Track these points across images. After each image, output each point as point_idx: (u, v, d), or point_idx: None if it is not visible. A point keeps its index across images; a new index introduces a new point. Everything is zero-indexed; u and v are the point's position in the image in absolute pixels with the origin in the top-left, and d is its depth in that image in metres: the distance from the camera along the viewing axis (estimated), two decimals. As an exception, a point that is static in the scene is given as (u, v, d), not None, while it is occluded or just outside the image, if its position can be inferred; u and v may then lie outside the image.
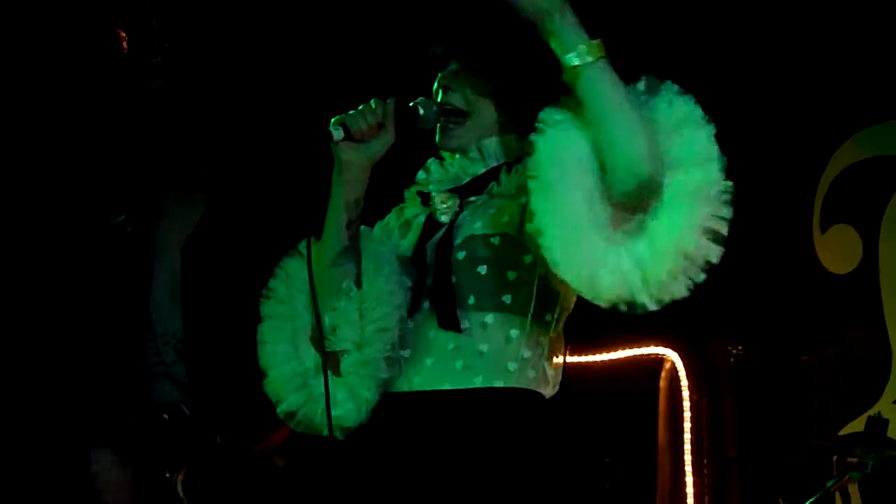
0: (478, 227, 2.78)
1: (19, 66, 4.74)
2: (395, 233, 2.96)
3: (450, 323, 2.74)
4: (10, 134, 4.69)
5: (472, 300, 2.74)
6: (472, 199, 2.86)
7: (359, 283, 2.80)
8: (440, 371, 2.73)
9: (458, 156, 2.92)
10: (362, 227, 2.88)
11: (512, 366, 2.72)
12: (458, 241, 2.78)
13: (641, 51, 4.82)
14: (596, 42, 2.54)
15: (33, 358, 4.24)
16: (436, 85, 2.91)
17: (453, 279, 2.76)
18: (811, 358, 4.91)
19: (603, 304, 2.54)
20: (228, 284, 3.26)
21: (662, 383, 5.12)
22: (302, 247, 2.82)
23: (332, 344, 2.76)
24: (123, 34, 4.81)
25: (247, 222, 2.95)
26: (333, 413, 2.72)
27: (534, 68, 2.78)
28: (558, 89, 2.67)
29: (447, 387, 2.72)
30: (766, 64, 4.91)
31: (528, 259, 2.73)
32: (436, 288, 2.78)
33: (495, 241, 2.75)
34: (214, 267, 3.79)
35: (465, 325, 2.73)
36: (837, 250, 4.87)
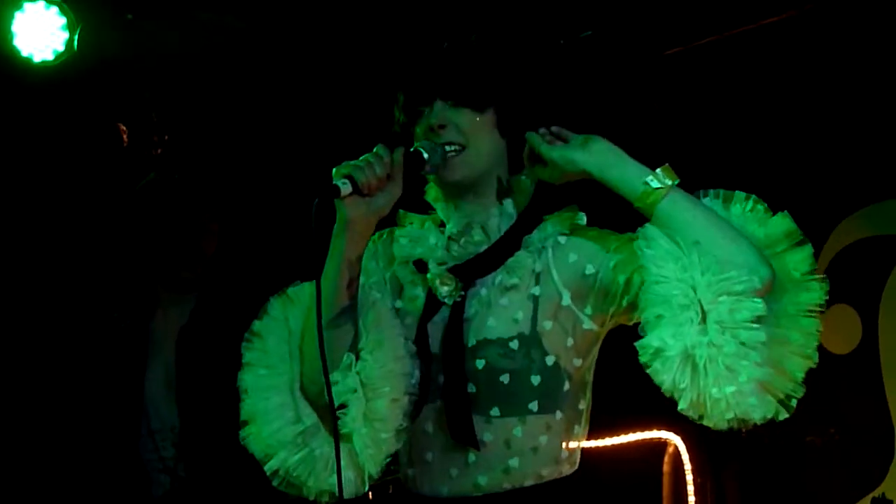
0: (491, 325, 2.65)
1: (24, 161, 4.78)
2: (387, 289, 2.80)
3: (466, 439, 2.62)
4: (15, 229, 4.73)
5: (495, 411, 2.63)
6: (477, 283, 2.69)
7: (355, 348, 2.63)
8: (466, 483, 2.65)
9: (455, 228, 2.74)
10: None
11: (546, 471, 2.66)
12: (471, 342, 2.64)
13: (645, 123, 4.90)
14: (666, 167, 2.52)
15: (31, 453, 4.24)
16: (420, 129, 2.70)
17: (471, 388, 2.63)
18: (815, 439, 4.89)
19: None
20: (223, 373, 3.27)
21: (666, 467, 5.08)
22: (290, 290, 2.71)
23: (340, 425, 2.58)
24: (124, 128, 4.87)
25: (241, 310, 2.94)
26: (331, 480, 2.59)
27: (524, 90, 2.73)
28: (553, 109, 2.71)
29: (477, 494, 2.65)
30: (765, 142, 4.93)
31: (550, 361, 2.63)
32: (450, 397, 2.64)
33: (514, 345, 2.62)
34: (208, 356, 3.79)
35: (488, 437, 2.63)
36: (837, 330, 4.85)
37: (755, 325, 2.40)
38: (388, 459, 2.68)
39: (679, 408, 2.46)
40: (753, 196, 2.60)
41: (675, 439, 5.08)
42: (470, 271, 2.70)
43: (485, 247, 2.71)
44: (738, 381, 2.40)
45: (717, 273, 2.42)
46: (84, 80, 4.76)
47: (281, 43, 4.91)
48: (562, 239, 2.69)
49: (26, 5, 4.59)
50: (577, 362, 2.67)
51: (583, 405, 2.71)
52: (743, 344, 2.39)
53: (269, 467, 2.67)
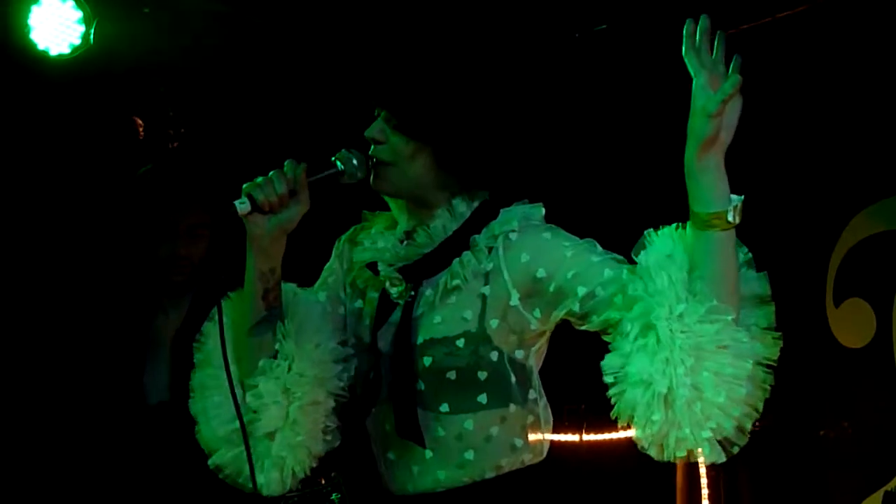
0: (437, 323, 2.66)
1: (40, 155, 4.80)
2: (346, 295, 2.85)
3: (411, 435, 2.66)
4: (31, 222, 4.74)
5: (445, 407, 2.66)
6: (425, 283, 2.71)
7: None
8: (429, 480, 2.69)
9: (404, 228, 2.74)
10: (294, 288, 2.80)
11: (505, 461, 2.69)
12: (419, 340, 2.67)
13: (655, 119, 4.91)
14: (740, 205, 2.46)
15: (31, 451, 4.26)
16: (368, 132, 2.70)
17: (420, 385, 2.66)
18: (828, 432, 4.90)
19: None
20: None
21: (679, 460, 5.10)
22: (234, 293, 2.75)
23: (256, 426, 2.67)
24: (140, 122, 4.88)
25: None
26: (258, 479, 2.67)
27: (468, 125, 2.65)
28: (496, 147, 2.64)
29: (440, 490, 2.69)
30: (779, 138, 4.93)
31: (494, 356, 2.64)
32: (397, 394, 2.68)
33: (460, 343, 2.64)
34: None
35: (440, 432, 2.66)
36: (851, 325, 4.86)
37: (741, 383, 2.42)
38: (314, 459, 2.75)
39: (636, 435, 2.48)
40: (744, 248, 2.55)
41: (688, 432, 5.09)
42: (416, 272, 2.72)
43: (429, 248, 2.70)
44: (707, 430, 2.43)
45: (727, 330, 2.43)
46: (100, 73, 4.77)
47: (297, 38, 4.92)
48: (513, 236, 2.66)
49: (43, -1, 4.60)
50: (520, 354, 2.68)
51: (533, 395, 2.71)
52: (726, 398, 2.41)
53: (210, 462, 2.77)
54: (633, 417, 2.46)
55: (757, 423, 5.15)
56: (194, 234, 3.90)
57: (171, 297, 3.93)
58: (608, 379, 2.47)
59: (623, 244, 2.67)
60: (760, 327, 2.52)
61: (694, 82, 2.45)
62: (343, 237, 2.90)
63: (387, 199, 2.78)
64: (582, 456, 5.28)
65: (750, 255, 2.54)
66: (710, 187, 2.43)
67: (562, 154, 5.21)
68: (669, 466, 5.08)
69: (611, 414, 2.50)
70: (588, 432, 5.32)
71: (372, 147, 2.68)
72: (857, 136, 4.81)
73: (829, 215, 4.95)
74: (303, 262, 2.94)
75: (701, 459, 4.98)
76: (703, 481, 5.04)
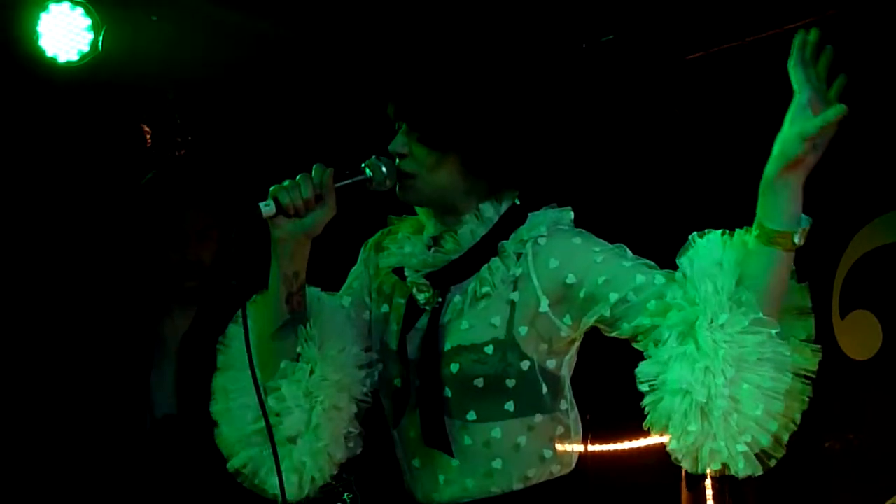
0: (465, 330, 2.65)
1: (48, 161, 4.80)
2: (372, 301, 2.84)
3: (438, 443, 2.65)
4: (39, 228, 4.75)
5: (472, 415, 2.64)
6: (453, 289, 2.70)
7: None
8: (456, 489, 2.68)
9: (431, 234, 2.72)
10: (318, 292, 2.78)
11: (532, 472, 2.67)
12: (446, 347, 2.65)
13: (665, 128, 4.91)
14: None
15: (38, 450, 4.26)
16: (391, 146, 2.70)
17: (447, 392, 2.65)
18: (834, 444, 4.88)
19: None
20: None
21: (684, 472, 5.09)
22: (258, 296, 2.74)
23: (279, 430, 2.64)
24: (147, 129, 4.88)
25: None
26: (272, 481, 2.65)
27: (489, 128, 2.62)
28: (519, 147, 2.62)
29: (467, 500, 2.67)
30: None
31: (525, 365, 2.63)
32: (424, 402, 2.67)
33: (488, 350, 2.62)
34: (208, 364, 3.81)
35: (467, 441, 2.65)
36: (857, 336, 4.84)
37: (779, 397, 2.42)
38: (334, 466, 2.74)
39: (670, 446, 2.46)
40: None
41: (693, 443, 5.09)
42: (444, 278, 2.70)
43: (456, 255, 2.69)
44: (743, 444, 2.42)
45: (770, 343, 2.42)
46: (108, 81, 4.78)
47: (306, 46, 4.93)
48: (542, 241, 2.65)
49: (51, 6, 4.60)
50: (552, 364, 2.67)
51: (564, 405, 2.70)
52: (763, 411, 2.41)
53: (230, 466, 2.75)
54: (667, 427, 2.44)
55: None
56: (203, 237, 3.90)
57: (180, 302, 3.94)
58: (643, 387, 2.45)
59: (639, 249, 2.67)
60: (800, 339, 2.51)
61: (795, 98, 2.43)
62: (369, 242, 2.88)
63: (417, 205, 2.78)
64: (587, 467, 5.27)
65: (793, 266, 2.51)
66: (786, 206, 2.43)
67: (582, 159, 5.21)
68: (674, 478, 5.09)
69: (644, 423, 2.48)
70: (593, 443, 5.31)
71: (397, 160, 2.66)
72: (864, 148, 4.80)
73: (836, 227, 4.94)
74: (329, 267, 2.93)
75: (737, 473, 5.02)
76: (709, 493, 5.03)
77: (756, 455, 2.46)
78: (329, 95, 4.99)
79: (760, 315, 2.40)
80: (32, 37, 4.61)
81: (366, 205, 2.76)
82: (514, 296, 2.63)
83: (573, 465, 2.73)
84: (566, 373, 2.71)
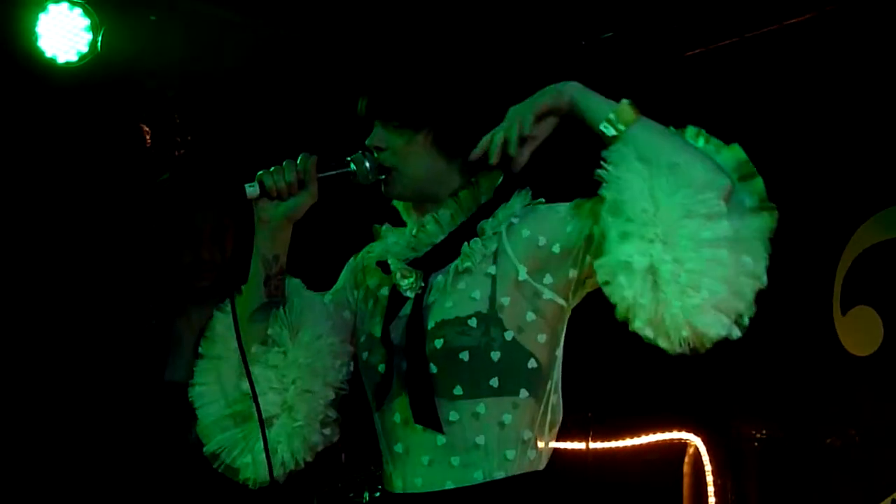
0: (449, 307, 2.68)
1: (48, 161, 4.80)
2: (357, 298, 2.88)
3: (428, 420, 2.65)
4: (39, 229, 4.75)
5: (458, 390, 2.64)
6: (436, 272, 2.74)
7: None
8: (439, 470, 2.67)
9: (413, 226, 2.79)
10: (300, 284, 2.84)
11: (511, 454, 2.66)
12: (430, 325, 2.68)
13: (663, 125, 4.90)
14: (624, 106, 2.55)
15: (53, 446, 4.26)
16: (368, 140, 2.78)
17: (433, 369, 2.66)
18: (835, 440, 4.89)
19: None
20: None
21: (686, 468, 5.10)
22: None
23: (254, 412, 2.70)
24: (147, 129, 4.88)
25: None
26: (243, 460, 2.76)
27: (456, 102, 2.73)
28: (488, 123, 2.66)
29: (450, 486, 2.66)
30: (785, 144, 4.93)
31: (508, 335, 2.64)
32: (412, 380, 2.69)
33: (472, 322, 2.64)
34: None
35: (453, 416, 2.65)
36: (859, 332, 4.85)
37: (721, 244, 2.43)
38: (309, 452, 2.79)
39: (634, 326, 2.48)
40: (702, 130, 2.61)
41: (695, 440, 5.10)
42: (428, 262, 2.76)
43: (438, 238, 2.75)
44: (698, 297, 2.43)
45: (691, 195, 2.44)
46: (107, 81, 4.78)
47: (305, 45, 4.93)
48: (514, 220, 2.71)
49: (50, 7, 4.61)
50: (542, 338, 2.68)
51: (549, 386, 2.71)
52: (707, 261, 2.43)
53: (206, 450, 2.83)
54: (628, 311, 2.47)
55: (763, 432, 5.17)
56: (216, 237, 3.91)
57: (195, 301, 3.94)
58: (605, 288, 2.50)
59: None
60: (751, 204, 2.54)
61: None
62: (358, 256, 2.94)
63: (397, 204, 2.84)
64: (588, 464, 5.27)
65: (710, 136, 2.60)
66: (597, 105, 2.59)
67: (580, 156, 5.21)
68: (676, 475, 5.10)
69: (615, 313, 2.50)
70: (595, 440, 5.31)
71: (375, 153, 2.74)
72: (865, 144, 4.81)
73: (837, 223, 4.94)
74: (318, 269, 2.99)
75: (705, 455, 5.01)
76: (710, 489, 5.04)
77: (727, 317, 2.46)
78: (328, 95, 4.99)
79: (675, 176, 2.45)
80: (31, 37, 4.61)
81: (355, 210, 2.81)
82: (493, 269, 2.67)
83: (549, 457, 2.73)
84: (559, 353, 2.73)
